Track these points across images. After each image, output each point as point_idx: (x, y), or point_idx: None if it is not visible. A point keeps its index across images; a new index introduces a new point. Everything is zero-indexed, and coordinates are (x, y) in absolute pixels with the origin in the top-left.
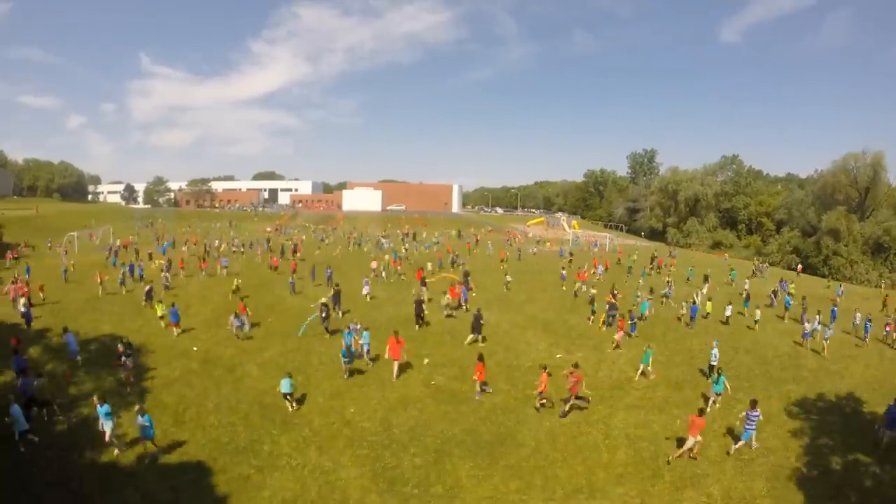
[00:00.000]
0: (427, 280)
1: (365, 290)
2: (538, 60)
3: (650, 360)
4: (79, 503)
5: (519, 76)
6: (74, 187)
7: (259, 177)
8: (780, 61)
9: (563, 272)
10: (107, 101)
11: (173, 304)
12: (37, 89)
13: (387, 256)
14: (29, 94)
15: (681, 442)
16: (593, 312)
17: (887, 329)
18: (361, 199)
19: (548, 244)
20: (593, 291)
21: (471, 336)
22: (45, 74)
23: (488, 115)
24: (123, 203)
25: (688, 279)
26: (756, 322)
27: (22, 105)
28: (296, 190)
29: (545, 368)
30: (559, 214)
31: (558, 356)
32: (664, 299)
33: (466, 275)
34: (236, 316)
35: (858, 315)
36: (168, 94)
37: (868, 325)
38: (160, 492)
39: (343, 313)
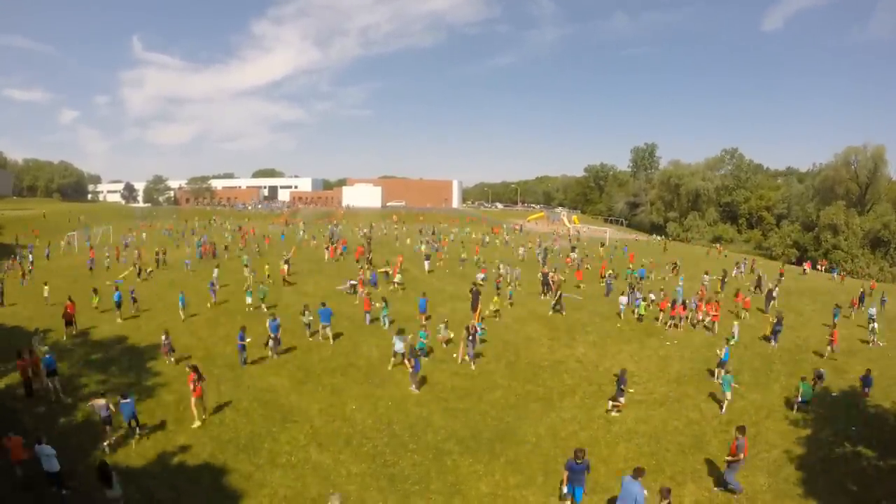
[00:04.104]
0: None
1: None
2: (556, 50)
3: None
4: (79, 502)
5: (531, 66)
6: (74, 187)
7: (259, 174)
8: (781, 57)
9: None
10: (99, 93)
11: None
12: (23, 81)
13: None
14: (14, 87)
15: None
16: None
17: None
18: (361, 196)
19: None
20: None
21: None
22: (31, 64)
23: (493, 108)
24: (123, 202)
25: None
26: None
27: (8, 99)
28: (296, 187)
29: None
30: (559, 209)
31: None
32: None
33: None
34: None
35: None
36: (163, 85)
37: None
38: (160, 490)
39: None
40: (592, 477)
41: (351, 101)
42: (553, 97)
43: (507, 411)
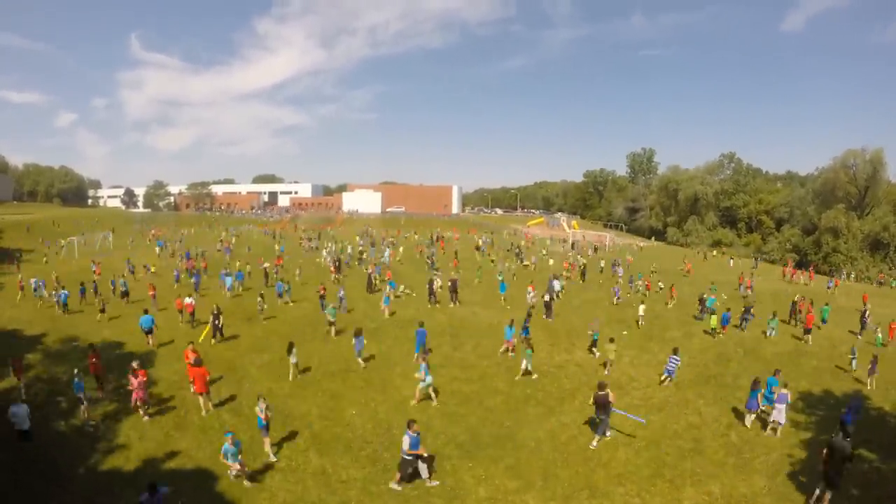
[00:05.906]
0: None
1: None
2: (562, 54)
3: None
4: None
5: (534, 71)
6: (75, 192)
7: (259, 179)
8: (781, 59)
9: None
10: (97, 95)
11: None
12: (19, 82)
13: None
14: (9, 88)
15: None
16: None
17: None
18: (361, 202)
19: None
20: None
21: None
22: (26, 64)
23: (494, 113)
24: (124, 207)
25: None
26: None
27: (5, 101)
28: (296, 193)
29: None
30: (559, 215)
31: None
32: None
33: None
34: None
35: None
36: (163, 87)
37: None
38: None
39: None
40: (593, 481)
41: (356, 104)
42: (553, 102)
43: (506, 416)
